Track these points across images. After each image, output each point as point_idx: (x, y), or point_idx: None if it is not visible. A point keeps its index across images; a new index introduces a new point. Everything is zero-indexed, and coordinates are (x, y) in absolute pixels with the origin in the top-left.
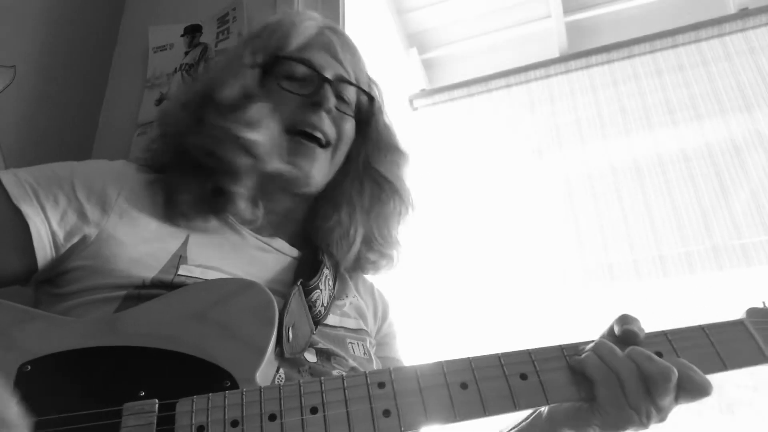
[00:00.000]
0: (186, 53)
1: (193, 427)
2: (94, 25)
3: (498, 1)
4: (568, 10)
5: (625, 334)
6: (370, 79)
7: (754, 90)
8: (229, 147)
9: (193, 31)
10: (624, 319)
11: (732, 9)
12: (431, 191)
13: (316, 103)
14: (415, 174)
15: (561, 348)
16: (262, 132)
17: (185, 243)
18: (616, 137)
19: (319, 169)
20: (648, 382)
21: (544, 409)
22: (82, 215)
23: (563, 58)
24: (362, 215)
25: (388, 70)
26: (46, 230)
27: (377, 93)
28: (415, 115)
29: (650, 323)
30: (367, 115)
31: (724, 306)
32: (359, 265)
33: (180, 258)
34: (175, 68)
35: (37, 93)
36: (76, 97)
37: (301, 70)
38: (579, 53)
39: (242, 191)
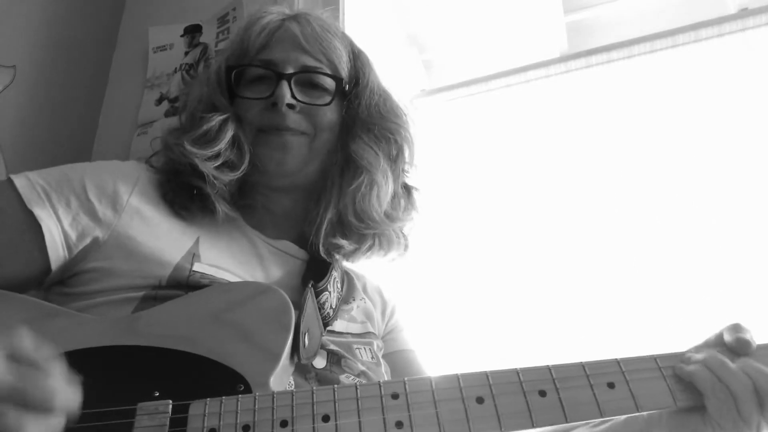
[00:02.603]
0: (186, 53)
1: (205, 429)
2: (94, 25)
3: (498, 1)
4: (568, 10)
5: (738, 343)
6: (354, 51)
7: (752, 90)
8: (189, 160)
9: (193, 31)
10: (737, 328)
11: (732, 9)
12: (432, 191)
13: (273, 103)
14: (415, 174)
15: (582, 365)
16: (214, 144)
17: (197, 243)
18: (615, 137)
19: (294, 156)
20: (761, 396)
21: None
22: (94, 216)
23: (563, 58)
24: (335, 198)
25: (388, 70)
26: (59, 232)
27: (363, 60)
28: (415, 115)
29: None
30: (347, 95)
31: None
32: (337, 253)
33: (194, 256)
34: (175, 68)
35: (37, 93)
36: (76, 97)
37: (260, 72)
38: (579, 53)
39: (214, 191)
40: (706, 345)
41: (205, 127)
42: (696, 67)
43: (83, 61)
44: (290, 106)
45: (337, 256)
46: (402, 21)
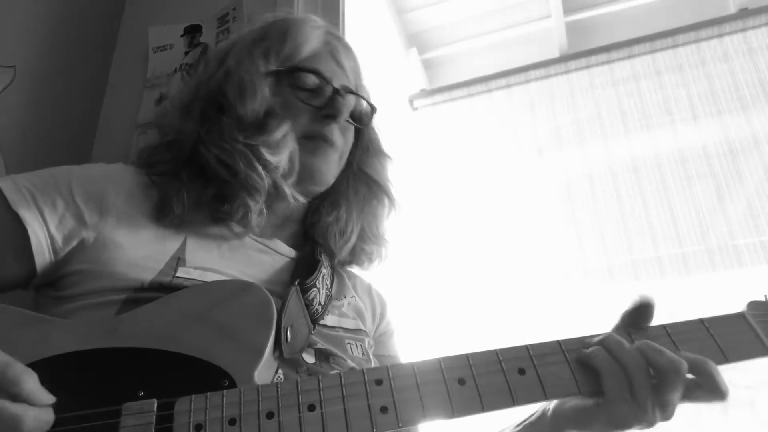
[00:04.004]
0: (186, 53)
1: (191, 425)
2: (94, 25)
3: (498, 1)
4: (568, 10)
5: (638, 310)
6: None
7: (751, 90)
8: (250, 165)
9: (193, 31)
10: (642, 298)
11: (732, 9)
12: (431, 191)
13: (329, 116)
14: (415, 174)
15: (559, 343)
16: (283, 152)
17: (183, 245)
18: (615, 137)
19: (330, 170)
20: (657, 374)
21: (549, 408)
22: (80, 219)
23: (563, 58)
24: (357, 214)
25: (388, 70)
26: (45, 234)
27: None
28: (415, 115)
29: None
30: (362, 121)
31: (720, 306)
32: (355, 258)
33: (178, 260)
34: (175, 68)
35: (37, 93)
36: (76, 97)
37: (312, 80)
38: (579, 53)
39: (256, 206)
40: (614, 329)
41: (277, 135)
42: (696, 68)
43: (83, 61)
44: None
45: (362, 263)
46: (402, 21)
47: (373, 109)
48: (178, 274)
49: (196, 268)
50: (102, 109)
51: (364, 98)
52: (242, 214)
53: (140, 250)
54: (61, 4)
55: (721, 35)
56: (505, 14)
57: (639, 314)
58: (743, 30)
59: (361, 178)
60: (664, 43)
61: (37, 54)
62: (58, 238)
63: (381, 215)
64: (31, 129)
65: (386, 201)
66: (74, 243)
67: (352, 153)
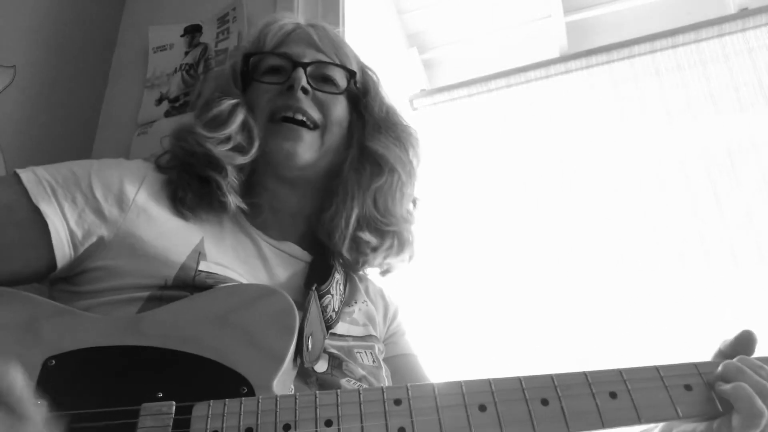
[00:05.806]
0: (186, 53)
1: (208, 431)
2: (94, 25)
3: (498, 1)
4: (568, 10)
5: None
6: (362, 66)
7: (749, 91)
8: (202, 146)
9: (193, 31)
10: (750, 338)
11: (732, 9)
12: (431, 191)
13: (290, 87)
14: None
15: (585, 374)
16: (230, 127)
17: (202, 242)
18: (615, 137)
19: (306, 149)
20: None
21: None
22: (100, 214)
23: (563, 58)
24: (359, 195)
25: (388, 70)
26: (65, 229)
27: (371, 76)
28: (415, 115)
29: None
30: (359, 94)
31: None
32: (360, 250)
33: (199, 254)
34: (175, 68)
35: (37, 93)
36: (76, 97)
37: (277, 62)
38: (579, 53)
39: (225, 182)
40: (723, 355)
41: (215, 111)
42: (695, 68)
43: (83, 61)
44: (304, 91)
45: (359, 258)
46: (402, 21)
47: (351, 74)
48: (200, 268)
49: (216, 263)
50: (102, 109)
51: (336, 64)
52: (222, 194)
53: (162, 241)
54: (61, 4)
55: (721, 35)
56: (504, 14)
57: (741, 346)
58: (743, 30)
59: (365, 154)
60: (664, 43)
61: (37, 54)
62: (78, 233)
63: (390, 192)
64: (31, 129)
65: (395, 175)
66: (94, 239)
67: (355, 131)
